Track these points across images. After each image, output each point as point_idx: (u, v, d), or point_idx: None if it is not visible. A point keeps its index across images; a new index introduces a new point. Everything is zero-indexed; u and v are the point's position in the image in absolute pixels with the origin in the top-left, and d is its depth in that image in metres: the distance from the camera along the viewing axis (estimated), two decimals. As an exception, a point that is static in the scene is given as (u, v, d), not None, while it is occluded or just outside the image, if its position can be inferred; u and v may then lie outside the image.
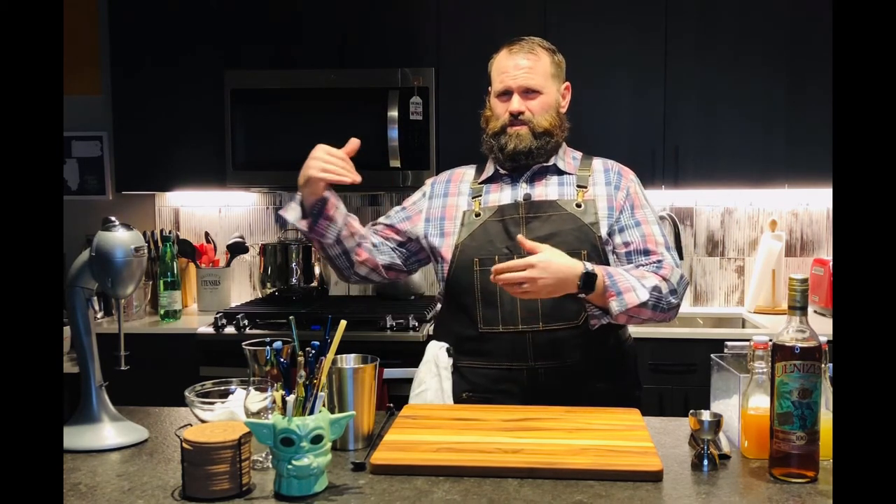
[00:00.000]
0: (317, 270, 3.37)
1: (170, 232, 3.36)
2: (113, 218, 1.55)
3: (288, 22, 3.19)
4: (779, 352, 1.29)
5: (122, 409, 1.59)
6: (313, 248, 3.33)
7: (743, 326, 3.22)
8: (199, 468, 1.21)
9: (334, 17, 3.17)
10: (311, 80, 3.11)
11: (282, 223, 1.84)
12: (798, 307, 1.30)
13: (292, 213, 1.81)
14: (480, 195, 1.90)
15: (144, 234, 3.27)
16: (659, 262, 1.80)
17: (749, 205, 3.43)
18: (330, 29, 3.17)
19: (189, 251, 3.36)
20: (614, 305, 1.68)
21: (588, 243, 1.80)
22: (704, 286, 3.46)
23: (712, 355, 1.59)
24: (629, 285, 1.70)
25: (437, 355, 1.87)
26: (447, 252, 1.87)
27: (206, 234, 3.54)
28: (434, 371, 1.85)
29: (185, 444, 1.23)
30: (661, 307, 1.73)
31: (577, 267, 1.65)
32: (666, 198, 3.41)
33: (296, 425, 1.21)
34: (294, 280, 3.33)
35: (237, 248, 3.41)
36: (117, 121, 3.32)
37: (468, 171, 1.99)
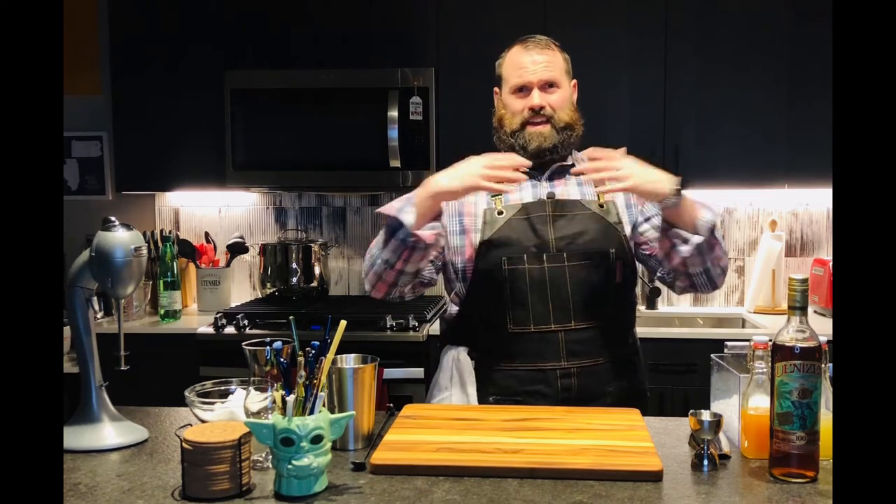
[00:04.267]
0: (317, 270, 3.37)
1: (170, 232, 3.36)
2: (113, 218, 1.54)
3: (288, 22, 3.19)
4: (779, 352, 1.29)
5: (122, 409, 1.59)
6: (314, 249, 3.33)
7: (743, 326, 3.22)
8: (199, 468, 1.21)
9: (334, 16, 3.17)
10: (311, 80, 3.11)
11: (392, 225, 1.69)
12: (798, 307, 1.30)
13: (409, 215, 1.67)
14: (500, 193, 1.83)
15: (144, 234, 3.27)
16: None
17: (749, 205, 3.42)
18: (330, 29, 3.17)
19: (189, 251, 3.36)
20: (707, 215, 1.67)
21: (615, 242, 1.79)
22: (704, 286, 3.46)
23: (712, 355, 1.59)
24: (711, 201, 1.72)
25: (458, 360, 1.81)
26: (469, 250, 1.81)
27: (206, 234, 3.54)
28: (456, 377, 1.80)
29: (185, 444, 1.23)
30: (724, 250, 1.75)
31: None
32: (666, 198, 3.40)
33: (296, 425, 1.21)
34: (294, 280, 3.33)
35: (237, 248, 3.41)
36: (117, 121, 3.32)
37: None
